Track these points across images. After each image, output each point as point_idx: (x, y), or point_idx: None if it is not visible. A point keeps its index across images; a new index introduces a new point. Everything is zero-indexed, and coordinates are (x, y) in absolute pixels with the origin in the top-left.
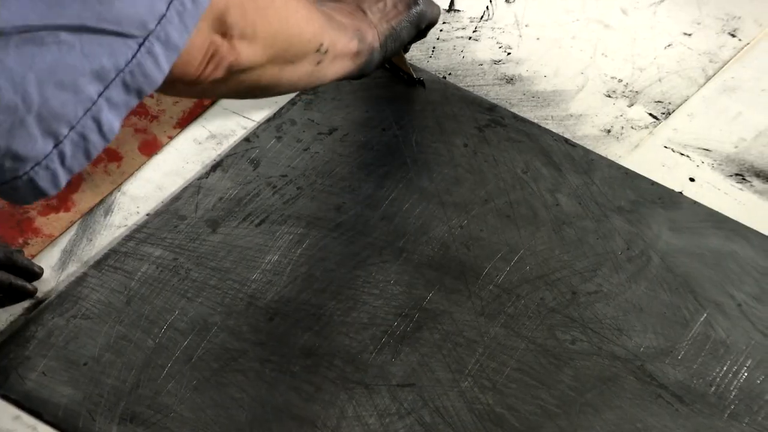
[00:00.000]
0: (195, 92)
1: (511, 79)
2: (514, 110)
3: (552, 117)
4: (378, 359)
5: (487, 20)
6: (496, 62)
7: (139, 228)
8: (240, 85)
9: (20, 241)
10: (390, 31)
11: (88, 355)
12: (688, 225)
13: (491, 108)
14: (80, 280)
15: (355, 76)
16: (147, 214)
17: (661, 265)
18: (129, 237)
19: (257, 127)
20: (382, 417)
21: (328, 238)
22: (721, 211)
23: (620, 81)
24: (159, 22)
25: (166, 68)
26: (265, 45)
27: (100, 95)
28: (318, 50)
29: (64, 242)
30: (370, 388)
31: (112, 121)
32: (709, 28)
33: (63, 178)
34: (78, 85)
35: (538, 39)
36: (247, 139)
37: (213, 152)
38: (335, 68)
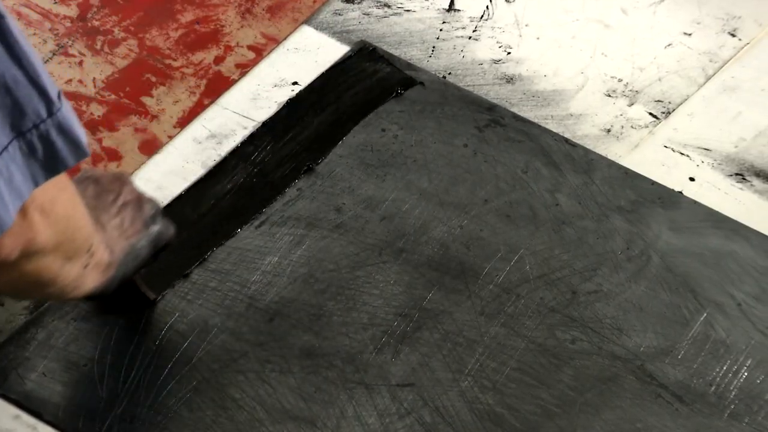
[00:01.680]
0: None
1: (511, 79)
2: (514, 110)
3: (552, 116)
4: (378, 359)
5: (487, 20)
6: (496, 62)
7: None
8: (23, 275)
9: None
10: (130, 249)
11: (88, 357)
12: (688, 225)
13: (491, 108)
14: None
15: (97, 295)
16: None
17: (661, 264)
18: None
19: (258, 128)
20: (382, 417)
21: (328, 239)
22: (720, 210)
23: (620, 80)
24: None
25: (12, 212)
26: (59, 228)
27: None
28: (89, 250)
29: None
30: (370, 388)
31: None
32: (709, 27)
33: None
34: None
35: (538, 39)
36: (247, 140)
37: (213, 152)
38: (92, 277)
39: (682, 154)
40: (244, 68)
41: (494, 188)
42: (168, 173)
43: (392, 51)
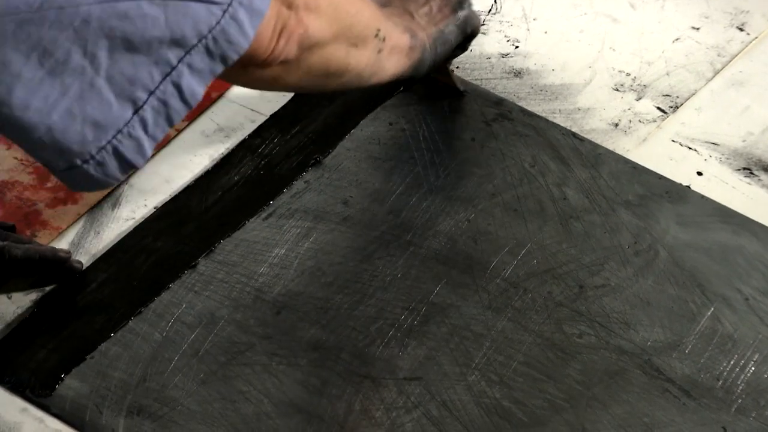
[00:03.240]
0: (267, 79)
1: (519, 73)
2: (522, 104)
3: (560, 111)
4: (385, 353)
5: (494, 14)
6: (504, 56)
7: (147, 220)
8: (311, 68)
9: (28, 233)
10: (438, 34)
11: (94, 349)
12: (696, 219)
13: (499, 102)
14: (88, 273)
15: (408, 78)
16: (155, 208)
17: (668, 259)
18: (137, 230)
19: (265, 121)
20: (389, 410)
21: (336, 231)
22: (728, 205)
23: (628, 75)
24: None
25: (251, 34)
26: (330, 19)
27: (180, 61)
28: (377, 35)
29: (71, 235)
30: (377, 382)
31: (194, 86)
32: (717, 22)
33: (148, 147)
34: (155, 51)
35: (546, 32)
36: (254, 133)
37: (221, 145)
38: (393, 61)
39: (690, 148)
40: None
41: (502, 182)
42: (176, 166)
43: None
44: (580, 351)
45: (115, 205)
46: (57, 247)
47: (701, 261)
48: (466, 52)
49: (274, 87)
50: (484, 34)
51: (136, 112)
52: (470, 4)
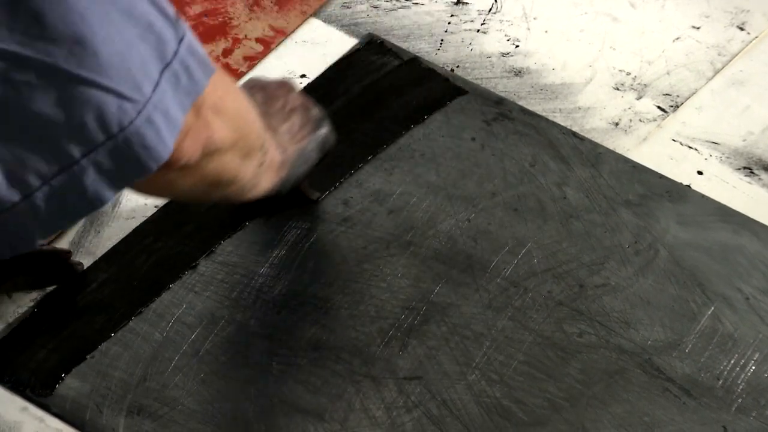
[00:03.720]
0: (159, 183)
1: (519, 72)
2: (522, 103)
3: (560, 110)
4: (385, 352)
5: (495, 13)
6: (504, 55)
7: (148, 221)
8: (206, 176)
9: None
10: (300, 152)
11: (95, 349)
12: (696, 218)
13: (499, 101)
14: (88, 273)
15: (274, 196)
16: (155, 207)
17: (668, 258)
18: (137, 230)
19: None
20: (390, 410)
21: (336, 232)
22: (729, 204)
23: (628, 74)
24: (155, 90)
25: (170, 143)
26: (233, 125)
27: (84, 156)
28: (262, 147)
29: (71, 234)
30: (377, 381)
31: (100, 189)
32: (717, 21)
33: (37, 233)
34: (53, 137)
35: (546, 32)
36: None
37: None
38: (268, 176)
39: (691, 147)
40: (253, 61)
41: (502, 182)
42: None
43: (400, 44)
44: (581, 350)
45: (116, 204)
46: (58, 245)
47: (702, 260)
48: (467, 52)
49: (161, 192)
50: (485, 33)
51: (25, 198)
52: (328, 122)
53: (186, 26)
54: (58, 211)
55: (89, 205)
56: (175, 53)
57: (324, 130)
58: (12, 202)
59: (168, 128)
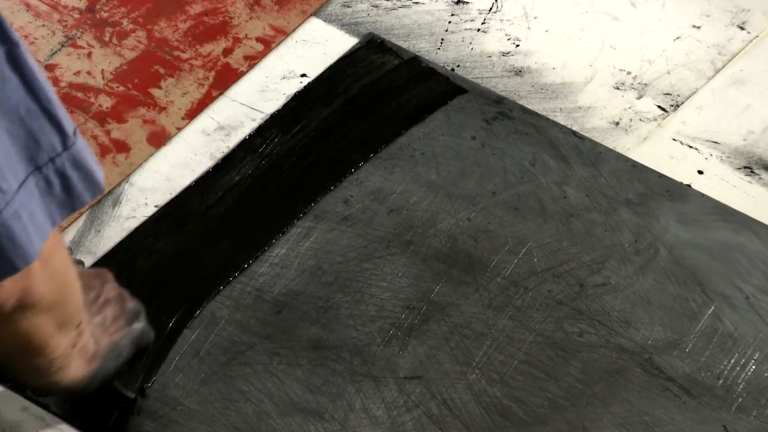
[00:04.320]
0: None
1: (520, 71)
2: (522, 102)
3: (560, 109)
4: (385, 352)
5: (495, 12)
6: (505, 54)
7: (148, 221)
8: (15, 333)
9: None
10: (112, 347)
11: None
12: (696, 218)
13: (499, 100)
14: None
15: (78, 392)
16: (155, 206)
17: (668, 257)
18: (137, 229)
19: (266, 120)
20: (390, 409)
21: (336, 231)
22: (729, 203)
23: (629, 73)
24: (18, 189)
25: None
26: (55, 285)
27: None
28: (78, 326)
29: (72, 233)
30: (377, 381)
31: None
32: (718, 20)
33: None
34: None
35: (546, 31)
36: (255, 132)
37: (221, 144)
38: (77, 363)
39: (691, 147)
40: (253, 60)
41: (502, 181)
42: (176, 165)
43: (401, 43)
44: (581, 349)
45: (116, 203)
46: None
47: (702, 259)
48: (467, 51)
49: None
50: (485, 33)
51: None
52: (144, 317)
53: (80, 142)
54: None
55: None
56: (51, 160)
57: (139, 325)
58: None
59: (35, 233)
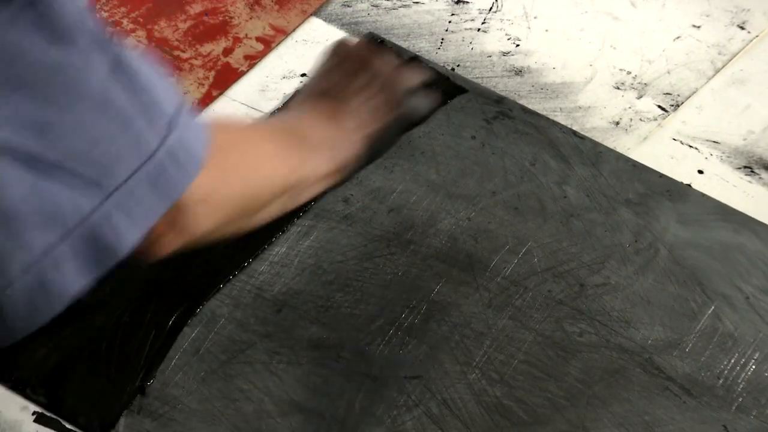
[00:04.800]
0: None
1: (520, 71)
2: (523, 102)
3: (560, 109)
4: (386, 351)
5: (495, 12)
6: (505, 54)
7: None
8: (198, 244)
9: None
10: (376, 135)
11: (94, 348)
12: (697, 217)
13: (499, 100)
14: None
15: (339, 184)
16: None
17: (669, 257)
18: None
19: (265, 119)
20: (390, 409)
21: (336, 230)
22: (729, 203)
23: (629, 73)
24: (118, 188)
25: (131, 242)
26: (225, 208)
27: (47, 250)
28: (284, 192)
29: None
30: (377, 380)
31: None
32: (718, 20)
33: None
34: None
35: (546, 31)
36: None
37: None
38: (312, 191)
39: (691, 146)
40: (253, 60)
41: (502, 180)
42: None
43: (401, 43)
44: (581, 349)
45: None
46: None
47: (702, 259)
48: (467, 51)
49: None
50: (486, 32)
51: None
52: (418, 90)
53: (183, 124)
54: (29, 309)
55: (58, 301)
56: (153, 154)
57: (404, 108)
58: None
59: (132, 227)
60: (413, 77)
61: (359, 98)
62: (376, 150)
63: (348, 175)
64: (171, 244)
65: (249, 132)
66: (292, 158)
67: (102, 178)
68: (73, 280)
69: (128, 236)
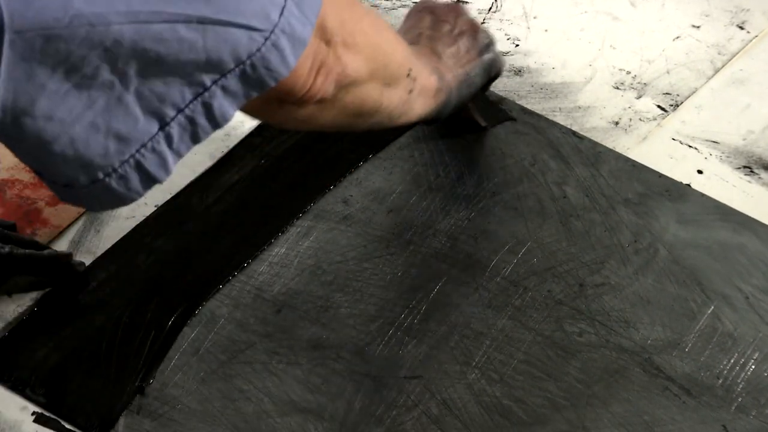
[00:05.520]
0: (302, 117)
1: (519, 71)
2: (522, 102)
3: (560, 109)
4: (385, 351)
5: (495, 12)
6: (504, 54)
7: (147, 219)
8: (345, 107)
9: (28, 231)
10: (464, 77)
11: (93, 349)
12: (696, 217)
13: (498, 100)
14: (88, 272)
15: (430, 120)
16: (155, 206)
17: (668, 257)
18: (137, 228)
19: None
20: (390, 409)
21: (335, 230)
22: (728, 203)
23: (628, 73)
24: (282, 14)
25: (292, 63)
26: (367, 57)
27: (214, 83)
28: (408, 75)
29: (71, 233)
30: (377, 380)
31: (226, 108)
32: (717, 20)
33: (172, 162)
34: (189, 72)
35: (546, 31)
36: (254, 131)
37: (221, 143)
38: (420, 102)
39: (690, 146)
40: None
41: (502, 181)
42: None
43: None
44: (580, 349)
45: None
46: (57, 244)
47: (701, 259)
48: None
49: (307, 125)
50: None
51: (162, 128)
52: (495, 47)
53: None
54: (189, 135)
55: (214, 125)
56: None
57: (490, 55)
58: (151, 134)
59: (293, 50)
60: (486, 32)
61: (448, 41)
62: (464, 92)
63: (443, 105)
64: (326, 83)
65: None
66: (406, 46)
67: (266, 15)
68: (233, 104)
69: (291, 55)
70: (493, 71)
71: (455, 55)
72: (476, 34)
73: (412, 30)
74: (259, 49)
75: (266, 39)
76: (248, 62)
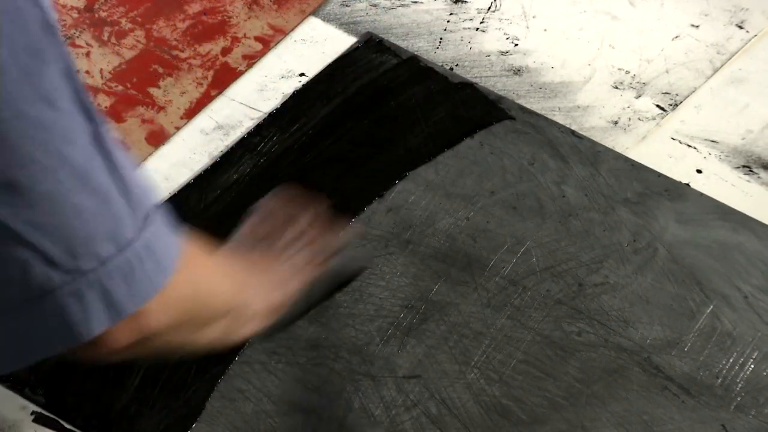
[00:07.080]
0: (98, 356)
1: (519, 71)
2: (521, 102)
3: (559, 108)
4: (384, 351)
5: (494, 11)
6: (504, 53)
7: None
8: (148, 350)
9: None
10: (305, 289)
11: None
12: (695, 217)
13: (498, 99)
14: None
15: (275, 332)
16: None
17: (667, 257)
18: None
19: (264, 119)
20: (389, 409)
21: None
22: (727, 203)
23: (627, 72)
24: (95, 269)
25: (97, 328)
26: (175, 310)
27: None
28: (229, 312)
29: None
30: (376, 380)
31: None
32: (716, 19)
33: None
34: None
35: (545, 30)
36: (254, 130)
37: (220, 143)
38: (251, 326)
39: (689, 146)
40: (251, 59)
41: (501, 180)
42: (175, 164)
43: (399, 43)
44: (580, 349)
45: None
46: None
47: (700, 258)
48: (466, 50)
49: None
50: (484, 32)
51: None
52: (352, 248)
53: (157, 221)
54: None
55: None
56: (130, 243)
57: (338, 262)
58: None
59: (103, 313)
60: (339, 238)
61: (287, 253)
62: (304, 304)
63: (279, 324)
64: (123, 337)
65: (203, 245)
66: (238, 280)
67: (74, 256)
68: (25, 350)
69: (98, 317)
70: (344, 274)
71: (299, 265)
72: (322, 238)
73: (253, 236)
74: (54, 291)
75: (67, 284)
76: (40, 304)
